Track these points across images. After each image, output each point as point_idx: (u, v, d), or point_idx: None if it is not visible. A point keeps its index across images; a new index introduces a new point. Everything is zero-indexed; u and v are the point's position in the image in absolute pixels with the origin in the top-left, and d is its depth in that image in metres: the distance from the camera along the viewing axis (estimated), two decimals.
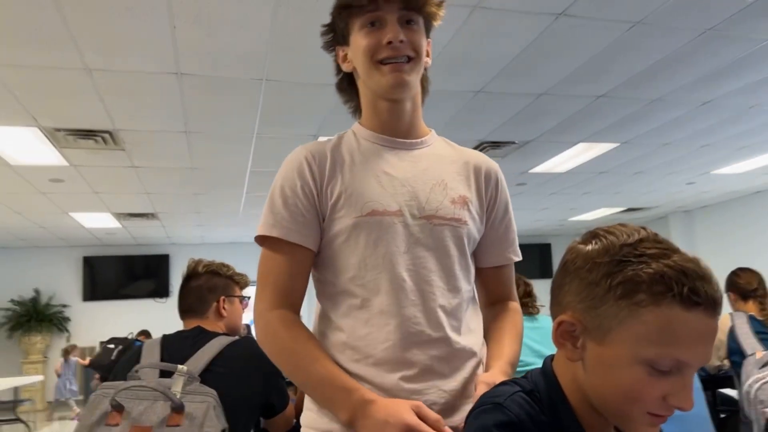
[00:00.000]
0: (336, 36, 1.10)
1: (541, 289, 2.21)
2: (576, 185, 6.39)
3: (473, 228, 1.08)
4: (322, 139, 1.20)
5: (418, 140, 1.11)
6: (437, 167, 1.09)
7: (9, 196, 5.57)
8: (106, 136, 3.99)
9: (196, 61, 2.99)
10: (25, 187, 5.22)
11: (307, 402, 1.05)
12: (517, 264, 1.19)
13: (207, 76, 3.18)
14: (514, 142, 4.68)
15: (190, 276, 1.78)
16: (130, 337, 4.98)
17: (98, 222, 7.01)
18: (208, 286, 1.75)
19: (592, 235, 0.78)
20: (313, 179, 1.05)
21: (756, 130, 4.67)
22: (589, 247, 0.76)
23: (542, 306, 2.22)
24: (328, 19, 1.11)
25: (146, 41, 2.76)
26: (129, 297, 8.88)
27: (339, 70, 1.14)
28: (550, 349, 0.88)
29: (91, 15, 2.51)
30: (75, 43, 2.73)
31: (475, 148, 4.68)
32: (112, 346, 4.28)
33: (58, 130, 3.85)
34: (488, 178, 1.13)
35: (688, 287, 0.68)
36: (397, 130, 1.09)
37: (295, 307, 1.03)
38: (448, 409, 0.99)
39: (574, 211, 8.00)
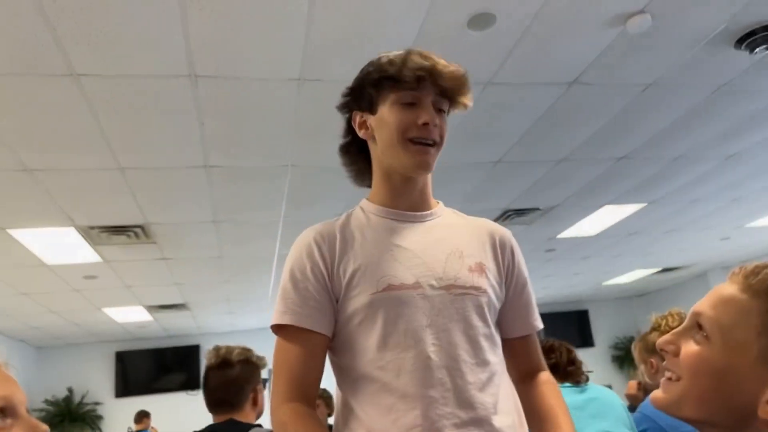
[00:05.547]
0: (358, 100, 1.08)
1: (582, 359, 2.11)
2: (607, 248, 6.26)
3: (493, 296, 1.04)
4: None
5: (428, 212, 1.10)
6: (450, 236, 1.06)
7: (45, 296, 5.69)
8: (138, 230, 4.11)
9: (223, 153, 3.11)
10: (60, 285, 5.34)
11: None
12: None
13: (234, 167, 3.29)
14: (538, 209, 4.66)
15: (222, 365, 1.69)
16: None
17: (130, 316, 7.06)
18: (245, 376, 1.67)
19: None
20: (323, 260, 1.02)
21: None
22: None
23: (590, 372, 2.09)
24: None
25: (176, 138, 2.89)
26: (161, 391, 8.75)
27: (348, 132, 1.12)
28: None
29: (123, 119, 2.66)
30: (109, 146, 2.88)
31: (500, 216, 4.67)
32: None
33: (93, 228, 3.98)
34: (503, 246, 1.10)
35: None
36: (408, 204, 1.08)
37: (309, 398, 0.98)
38: None
39: (608, 275, 7.79)
